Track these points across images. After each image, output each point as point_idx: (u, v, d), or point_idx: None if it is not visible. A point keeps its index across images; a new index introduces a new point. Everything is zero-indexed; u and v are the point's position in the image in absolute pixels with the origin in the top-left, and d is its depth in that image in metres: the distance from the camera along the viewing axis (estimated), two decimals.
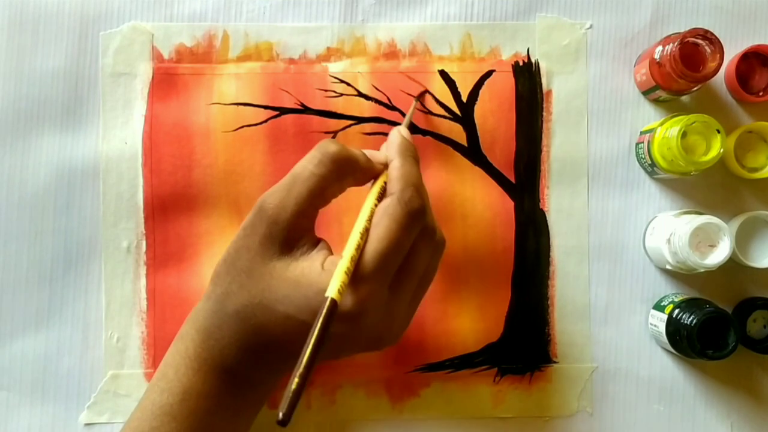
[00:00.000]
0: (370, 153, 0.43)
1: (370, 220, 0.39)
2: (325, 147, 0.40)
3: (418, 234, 0.40)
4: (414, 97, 0.52)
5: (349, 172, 0.41)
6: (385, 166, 0.42)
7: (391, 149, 0.43)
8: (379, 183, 0.42)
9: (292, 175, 0.40)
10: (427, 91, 0.52)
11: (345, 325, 0.37)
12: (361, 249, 0.37)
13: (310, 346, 0.33)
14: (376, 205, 0.40)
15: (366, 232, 0.38)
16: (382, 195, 0.41)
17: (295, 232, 0.39)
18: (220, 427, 0.42)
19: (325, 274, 0.37)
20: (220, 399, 0.41)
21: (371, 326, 0.38)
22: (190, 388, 0.41)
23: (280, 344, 0.39)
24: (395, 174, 0.41)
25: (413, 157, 0.43)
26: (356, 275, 0.37)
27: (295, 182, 0.39)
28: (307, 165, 0.40)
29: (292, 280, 0.38)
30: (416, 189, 0.40)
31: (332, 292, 0.35)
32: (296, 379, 0.32)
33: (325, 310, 0.34)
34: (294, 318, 0.38)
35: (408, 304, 0.41)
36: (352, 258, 0.37)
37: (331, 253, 0.40)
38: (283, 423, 0.31)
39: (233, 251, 0.41)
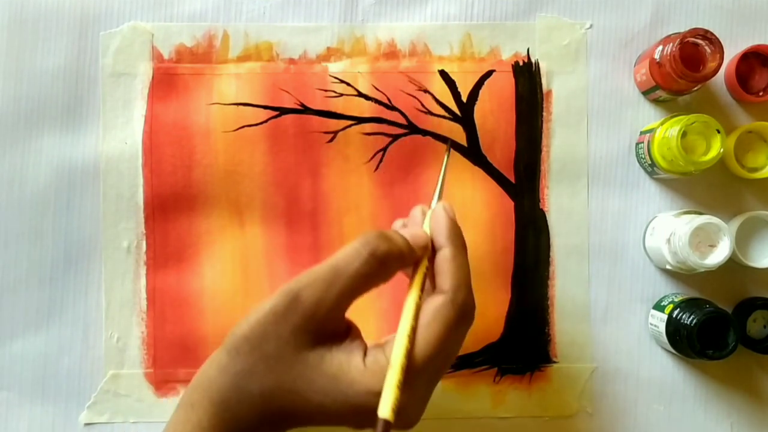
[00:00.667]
0: (411, 235, 0.40)
1: (415, 318, 0.37)
2: (375, 246, 0.37)
3: None
4: (445, 152, 0.51)
5: (396, 266, 0.38)
6: (426, 249, 0.40)
7: (439, 233, 0.40)
8: (422, 272, 0.39)
9: (334, 269, 0.37)
10: (451, 144, 0.52)
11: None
12: (409, 354, 0.36)
13: None
14: (420, 297, 0.38)
15: (413, 332, 0.36)
16: (422, 284, 0.39)
17: (331, 324, 0.38)
18: None
19: (368, 374, 0.36)
20: None
21: (406, 414, 0.37)
22: None
23: (305, 425, 0.38)
24: (447, 267, 0.38)
25: (463, 244, 0.40)
26: (405, 380, 0.35)
27: (337, 278, 0.37)
28: (353, 262, 0.37)
29: (329, 375, 0.36)
30: (468, 287, 0.38)
31: (386, 413, 0.34)
32: None
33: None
34: (329, 409, 0.37)
35: (434, 386, 0.39)
36: (402, 367, 0.35)
37: (363, 342, 0.38)
38: None
39: (259, 334, 0.37)
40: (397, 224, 0.45)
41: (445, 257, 0.39)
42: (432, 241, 0.40)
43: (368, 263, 0.37)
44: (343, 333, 0.38)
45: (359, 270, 0.37)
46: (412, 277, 0.39)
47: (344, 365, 0.37)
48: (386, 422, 0.33)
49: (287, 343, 0.37)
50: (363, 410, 0.36)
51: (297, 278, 0.37)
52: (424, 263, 0.39)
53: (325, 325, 0.37)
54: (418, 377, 0.36)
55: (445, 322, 0.37)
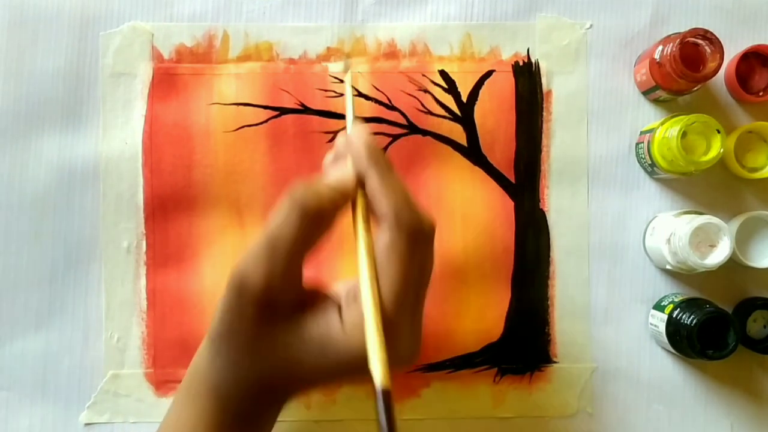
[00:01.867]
0: (337, 173, 0.38)
1: (372, 262, 0.36)
2: (303, 205, 0.36)
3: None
4: (344, 78, 0.49)
5: (329, 213, 0.37)
6: (358, 182, 0.38)
7: (359, 162, 0.38)
8: (360, 212, 0.37)
9: (270, 242, 0.36)
10: (348, 59, 0.49)
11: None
12: (379, 302, 0.35)
13: None
14: (368, 237, 0.37)
15: (375, 280, 0.35)
16: (367, 219, 0.38)
17: (292, 290, 0.37)
18: None
19: (349, 331, 0.35)
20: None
21: (402, 351, 0.37)
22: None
23: (308, 389, 0.39)
24: (378, 193, 0.36)
25: (388, 164, 0.38)
26: (386, 323, 0.35)
27: (276, 249, 0.35)
28: (286, 228, 0.36)
29: (313, 340, 0.36)
30: (409, 205, 0.36)
31: (381, 382, 0.32)
32: None
33: (383, 405, 0.32)
34: (324, 368, 0.36)
35: (421, 309, 0.39)
36: (377, 327, 0.34)
37: (336, 297, 0.37)
38: None
39: (227, 332, 0.37)
40: (328, 158, 0.42)
41: (373, 184, 0.37)
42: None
43: (301, 225, 0.36)
44: (312, 293, 0.38)
45: (294, 235, 0.36)
46: (354, 219, 0.38)
47: (323, 329, 0.36)
48: (385, 392, 0.32)
49: (258, 325, 0.36)
50: (355, 367, 0.35)
51: (237, 262, 0.36)
52: (360, 200, 0.38)
53: (287, 292, 0.37)
54: (398, 312, 0.35)
55: (401, 251, 0.35)
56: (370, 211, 0.38)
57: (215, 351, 0.38)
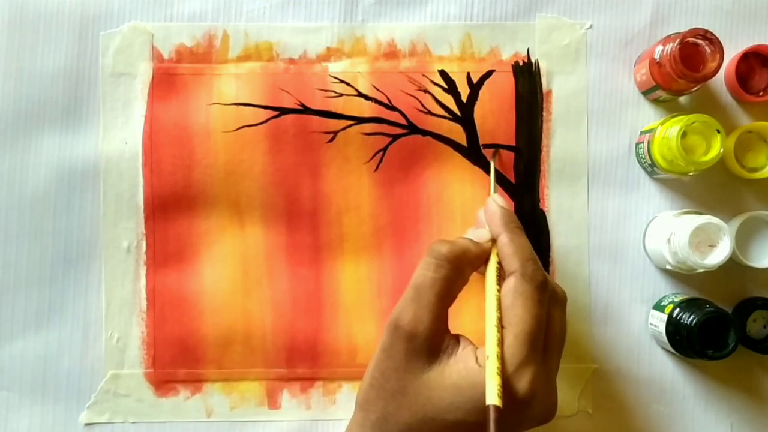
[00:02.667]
0: (475, 234, 0.44)
1: (499, 308, 0.40)
2: (437, 250, 0.41)
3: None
4: (490, 155, 0.53)
5: (466, 264, 0.42)
6: (493, 241, 0.43)
7: (494, 223, 0.43)
8: (493, 265, 0.42)
9: (414, 287, 0.40)
10: (499, 148, 0.53)
11: (521, 411, 0.38)
12: (501, 342, 0.38)
13: None
14: (498, 290, 0.40)
15: (500, 322, 0.39)
16: (499, 274, 0.42)
17: (436, 338, 0.40)
18: None
19: (484, 371, 0.38)
20: None
21: (541, 403, 0.39)
22: None
23: None
24: (508, 251, 0.41)
25: (518, 227, 0.43)
26: (515, 362, 0.38)
27: (420, 292, 0.40)
28: (426, 272, 0.40)
29: (452, 387, 0.38)
30: (534, 261, 0.40)
31: (493, 399, 0.35)
32: None
33: (492, 420, 0.35)
34: (465, 422, 0.38)
35: (554, 370, 0.41)
36: (498, 356, 0.37)
37: (474, 345, 0.40)
38: None
39: (378, 375, 0.40)
40: (469, 231, 0.47)
41: (504, 242, 0.42)
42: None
43: (439, 267, 0.40)
44: (454, 345, 0.40)
45: (434, 277, 0.40)
46: (486, 272, 0.42)
47: (462, 372, 0.38)
48: (495, 408, 0.35)
49: (406, 372, 0.39)
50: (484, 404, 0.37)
51: (392, 313, 0.40)
52: (494, 256, 0.43)
53: (432, 339, 0.39)
54: (530, 355, 0.38)
55: (526, 297, 0.39)
56: (500, 270, 0.42)
57: (365, 404, 0.41)
